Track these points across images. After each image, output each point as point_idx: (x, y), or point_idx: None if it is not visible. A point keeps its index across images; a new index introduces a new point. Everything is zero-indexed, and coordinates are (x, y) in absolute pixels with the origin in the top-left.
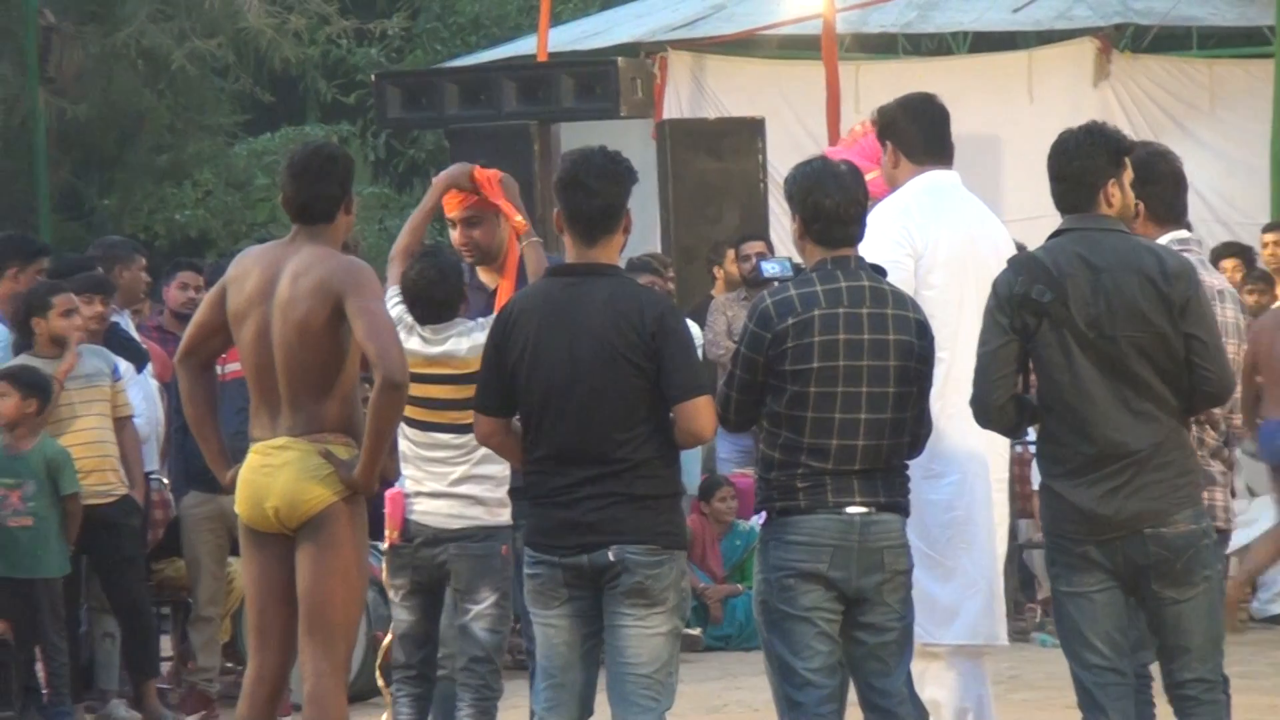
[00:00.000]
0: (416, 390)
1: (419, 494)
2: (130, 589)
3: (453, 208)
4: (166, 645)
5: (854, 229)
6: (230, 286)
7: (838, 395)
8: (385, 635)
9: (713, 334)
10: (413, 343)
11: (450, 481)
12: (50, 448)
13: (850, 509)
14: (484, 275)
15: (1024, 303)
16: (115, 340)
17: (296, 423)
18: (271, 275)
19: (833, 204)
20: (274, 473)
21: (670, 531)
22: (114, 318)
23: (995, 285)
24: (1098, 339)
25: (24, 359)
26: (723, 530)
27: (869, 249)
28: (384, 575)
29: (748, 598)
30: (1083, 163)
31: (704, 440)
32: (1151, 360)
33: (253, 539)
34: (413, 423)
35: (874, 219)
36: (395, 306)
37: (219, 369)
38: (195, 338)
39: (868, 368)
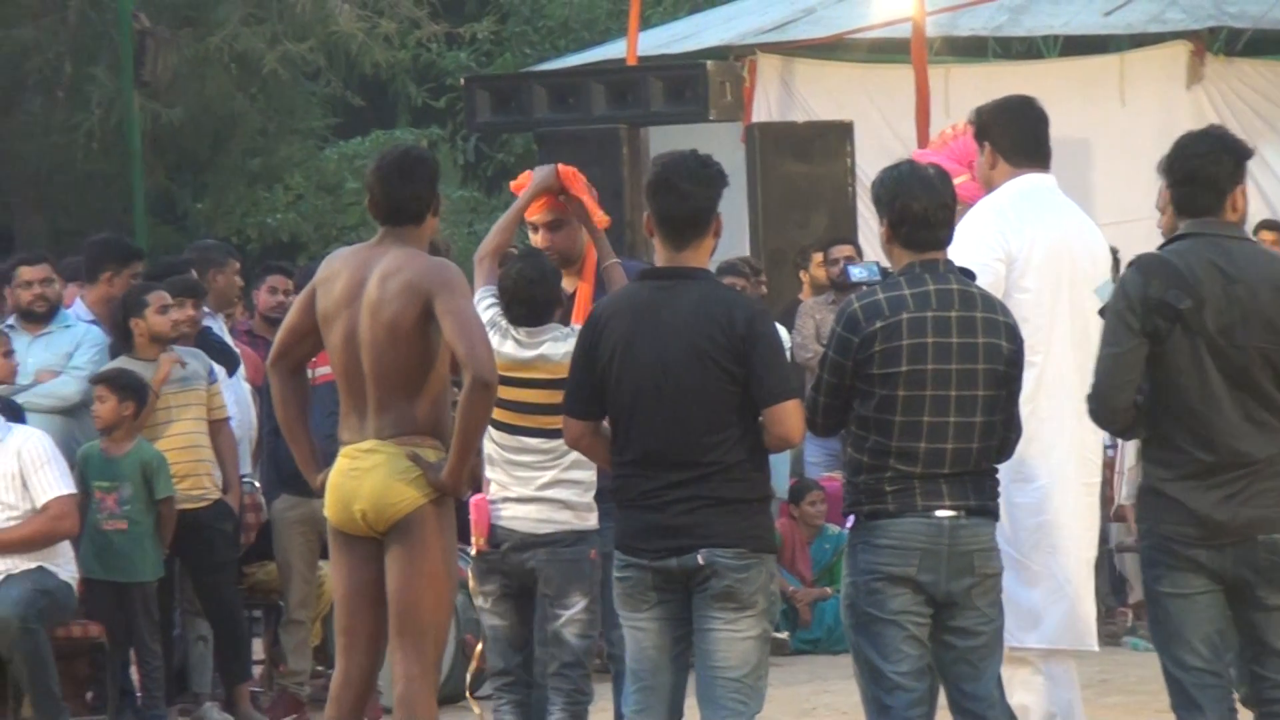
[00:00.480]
0: (507, 394)
1: (506, 499)
2: (222, 593)
3: (535, 211)
4: (258, 648)
5: (942, 232)
6: (319, 289)
7: (926, 399)
8: (476, 641)
9: (801, 337)
10: (507, 346)
11: (538, 486)
12: (146, 451)
13: (939, 512)
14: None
15: (1159, 306)
16: (208, 344)
17: (385, 425)
18: (360, 277)
19: (920, 207)
20: (362, 475)
21: (759, 535)
22: (207, 321)
23: (1124, 286)
24: (1228, 347)
25: (123, 361)
26: (812, 534)
27: (961, 250)
28: (470, 582)
29: (837, 601)
30: (1214, 168)
31: (793, 444)
32: (1277, 371)
33: (341, 542)
34: (500, 426)
35: (968, 221)
36: (489, 309)
37: (309, 372)
38: (286, 341)
39: (956, 371)
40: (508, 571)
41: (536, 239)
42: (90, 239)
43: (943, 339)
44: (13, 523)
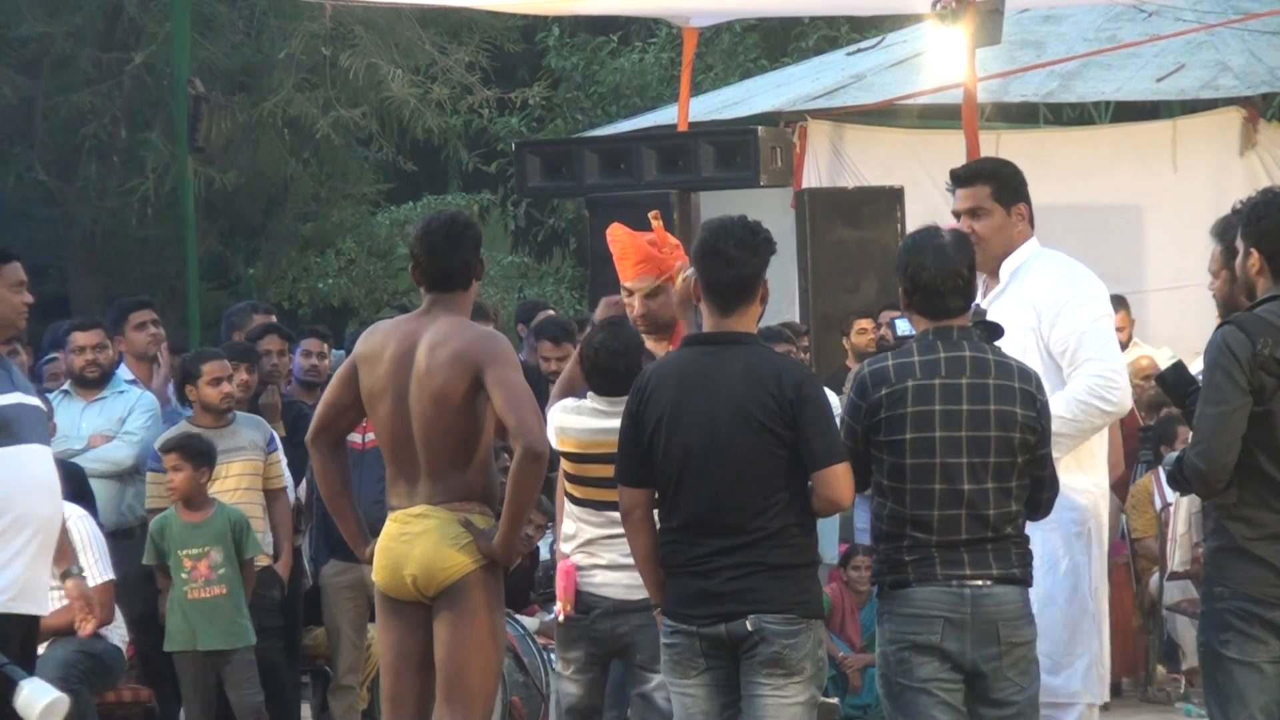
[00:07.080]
0: (589, 471)
1: (595, 566)
2: (267, 659)
3: (630, 275)
4: (307, 713)
5: (954, 300)
6: (361, 365)
7: (936, 466)
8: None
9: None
10: (585, 421)
11: (628, 552)
12: (231, 512)
13: (960, 582)
14: (653, 345)
15: (1267, 363)
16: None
17: (435, 491)
18: (408, 347)
19: (929, 275)
20: (413, 540)
21: (807, 600)
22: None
23: (1228, 344)
24: None
25: (184, 427)
26: (862, 599)
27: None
28: (555, 649)
29: None
30: None
31: (842, 508)
32: None
33: (389, 607)
34: (586, 503)
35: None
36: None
37: (360, 438)
38: (326, 416)
39: (967, 438)
40: (597, 639)
41: (632, 305)
42: (118, 299)
43: (952, 406)
44: (51, 606)
